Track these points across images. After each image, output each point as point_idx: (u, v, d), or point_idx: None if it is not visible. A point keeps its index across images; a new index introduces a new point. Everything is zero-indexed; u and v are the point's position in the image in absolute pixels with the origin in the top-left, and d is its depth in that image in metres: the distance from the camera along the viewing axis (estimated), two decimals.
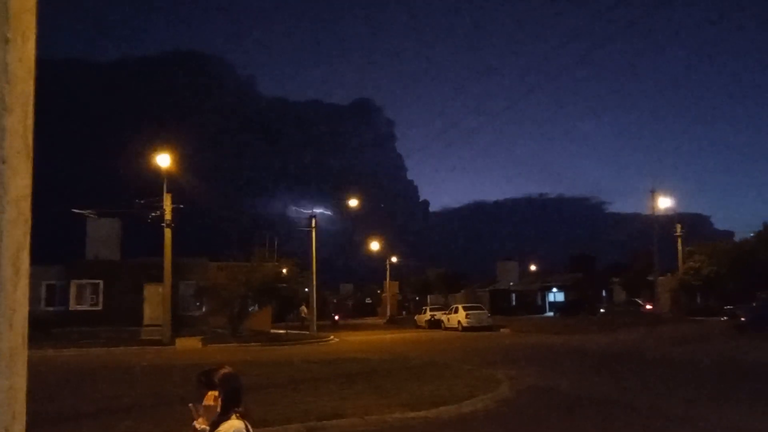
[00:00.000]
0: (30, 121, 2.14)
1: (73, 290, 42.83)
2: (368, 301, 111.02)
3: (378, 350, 30.46)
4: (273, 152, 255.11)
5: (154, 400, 14.40)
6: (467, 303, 58.21)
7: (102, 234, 45.00)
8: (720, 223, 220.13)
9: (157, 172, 37.21)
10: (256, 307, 42.42)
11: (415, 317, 62.62)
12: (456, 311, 50.92)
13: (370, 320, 79.63)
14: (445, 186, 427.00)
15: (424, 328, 56.18)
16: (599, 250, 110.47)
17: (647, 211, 55.13)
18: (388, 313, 79.55)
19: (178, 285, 41.07)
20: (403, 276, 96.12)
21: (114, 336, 37.37)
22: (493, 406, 13.73)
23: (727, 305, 49.34)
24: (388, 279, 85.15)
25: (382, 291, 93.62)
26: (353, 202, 54.56)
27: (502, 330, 46.66)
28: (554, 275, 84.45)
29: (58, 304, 42.76)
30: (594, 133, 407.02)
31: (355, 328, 56.56)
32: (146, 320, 41.86)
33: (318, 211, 51.47)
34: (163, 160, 36.71)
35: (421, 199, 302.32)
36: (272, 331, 45.24)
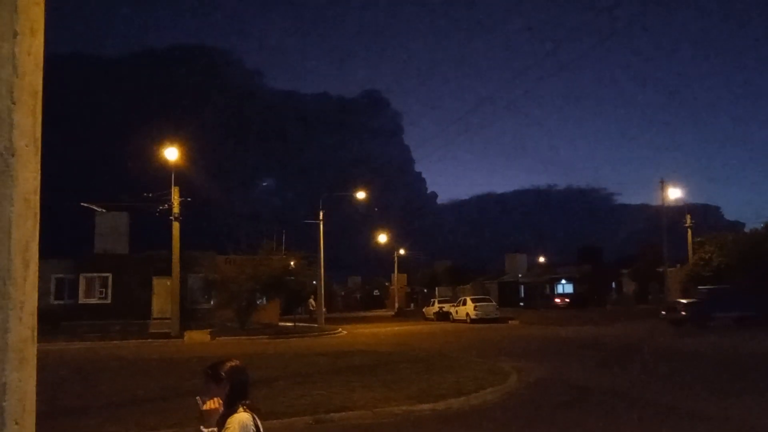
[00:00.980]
0: (39, 115, 2.14)
1: (82, 284, 43.00)
2: (376, 293, 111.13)
3: (386, 343, 30.49)
4: (280, 145, 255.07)
5: (163, 393, 14.46)
6: (475, 295, 58.20)
7: (110, 228, 45.15)
8: (730, 214, 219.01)
9: (164, 166, 37.27)
10: (264, 300, 42.50)
11: (424, 309, 62.63)
12: (464, 303, 50.92)
13: (378, 313, 79.72)
14: (453, 178, 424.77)
15: (432, 320, 56.21)
16: (608, 242, 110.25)
17: (656, 203, 54.94)
18: (396, 306, 79.59)
19: (187, 278, 41.21)
20: (411, 268, 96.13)
21: (123, 329, 37.55)
22: (501, 399, 13.73)
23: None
24: (396, 271, 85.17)
25: (390, 283, 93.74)
26: (361, 195, 54.43)
27: (510, 322, 46.66)
28: (563, 267, 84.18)
29: (68, 297, 42.94)
30: (602, 124, 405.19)
31: (363, 320, 56.61)
32: (155, 313, 42.01)
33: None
34: (171, 153, 36.76)
35: (429, 191, 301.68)
36: (280, 324, 45.35)
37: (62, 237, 44.10)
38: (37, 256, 2.08)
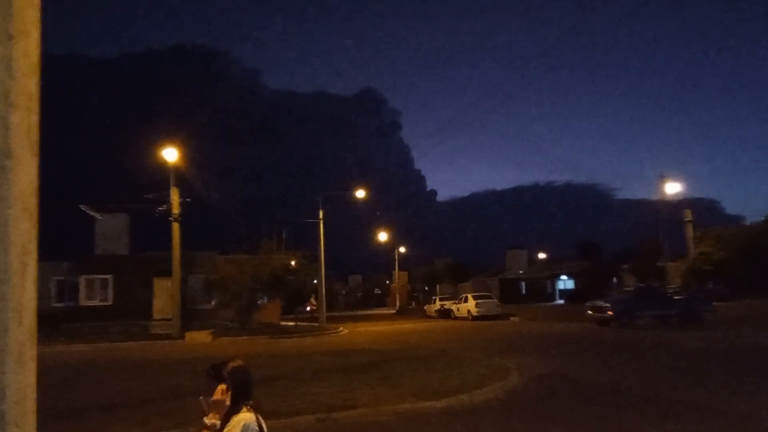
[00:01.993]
0: (35, 117, 2.14)
1: (82, 285, 43.00)
2: (377, 292, 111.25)
3: (388, 341, 30.50)
4: (279, 144, 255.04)
5: (165, 394, 14.45)
6: (476, 292, 58.25)
7: (110, 229, 45.14)
8: (730, 208, 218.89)
9: (163, 167, 37.25)
10: (265, 300, 42.50)
11: (425, 307, 62.70)
12: (466, 300, 50.95)
13: (379, 311, 79.75)
14: (453, 175, 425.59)
15: (434, 317, 56.28)
16: (608, 237, 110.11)
17: (656, 197, 54.95)
18: (398, 304, 79.63)
19: (187, 279, 41.20)
20: (412, 266, 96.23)
21: (124, 330, 37.57)
22: (503, 395, 13.72)
23: (736, 290, 49.21)
24: (396, 269, 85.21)
25: (391, 281, 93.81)
26: (360, 193, 54.42)
27: (511, 318, 46.68)
28: (563, 263, 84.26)
29: (68, 299, 42.95)
30: (602, 119, 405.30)
31: (365, 319, 56.63)
32: (156, 314, 42.01)
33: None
34: (170, 154, 36.74)
35: (429, 188, 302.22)
36: (281, 323, 45.39)
37: (62, 239, 44.12)
38: (35, 258, 2.07)
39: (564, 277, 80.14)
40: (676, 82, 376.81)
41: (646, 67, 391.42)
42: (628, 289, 39.55)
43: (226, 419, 3.61)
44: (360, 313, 74.69)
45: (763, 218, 56.24)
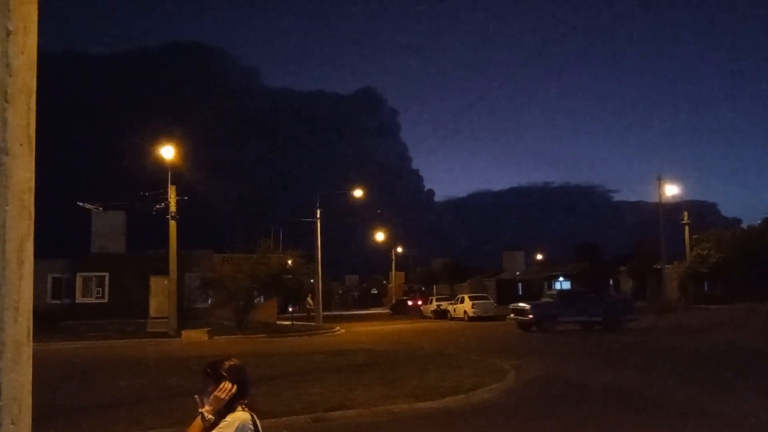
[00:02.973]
0: (32, 114, 2.13)
1: (78, 283, 42.93)
2: (374, 291, 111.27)
3: (384, 341, 30.48)
4: (276, 143, 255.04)
5: (161, 393, 14.43)
6: (473, 293, 58.26)
7: (107, 227, 45.08)
8: (727, 211, 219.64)
9: (160, 165, 37.25)
10: (262, 299, 42.49)
11: (421, 307, 62.70)
12: (462, 301, 50.98)
13: (376, 311, 79.76)
14: (450, 175, 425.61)
15: (430, 318, 56.26)
16: (605, 239, 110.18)
17: (654, 199, 55.03)
18: (394, 303, 79.59)
19: (184, 277, 41.14)
20: (409, 266, 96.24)
21: (120, 328, 37.52)
22: (500, 396, 13.73)
23: (733, 293, 49.28)
24: (393, 269, 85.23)
25: (388, 281, 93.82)
26: (358, 192, 54.44)
27: (508, 319, 46.68)
28: (561, 264, 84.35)
29: (64, 297, 42.89)
30: (599, 121, 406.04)
31: (361, 319, 56.62)
32: (152, 312, 41.96)
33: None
34: (167, 152, 36.74)
35: (426, 188, 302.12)
36: (278, 322, 45.36)
37: (59, 236, 44.12)
38: (32, 255, 2.06)
39: (561, 278, 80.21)
40: (674, 85, 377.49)
41: (644, 69, 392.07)
42: (552, 292, 38.08)
43: (219, 417, 3.60)
44: (356, 312, 74.70)
45: (760, 221, 56.38)
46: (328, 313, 61.25)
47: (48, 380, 15.57)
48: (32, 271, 2.07)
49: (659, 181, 53.55)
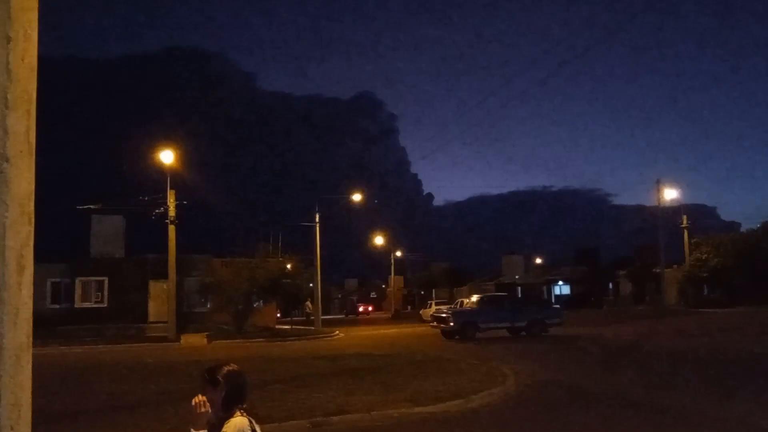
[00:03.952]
0: (33, 120, 2.14)
1: (78, 288, 42.90)
2: (373, 296, 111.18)
3: (383, 345, 30.41)
4: (275, 147, 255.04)
5: (160, 398, 14.42)
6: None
7: (106, 231, 45.04)
8: (726, 214, 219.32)
9: (160, 169, 37.27)
10: (261, 303, 42.47)
11: (420, 312, 62.60)
12: (461, 305, 50.85)
13: (375, 315, 79.68)
14: (449, 179, 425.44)
15: (429, 322, 56.13)
16: (604, 243, 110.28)
17: (652, 203, 55.01)
18: (393, 308, 79.55)
19: (183, 282, 41.11)
20: (408, 270, 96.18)
21: (119, 333, 37.49)
22: (499, 401, 13.71)
23: (732, 297, 49.26)
24: (392, 274, 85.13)
25: (387, 286, 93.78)
26: (357, 197, 54.43)
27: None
28: (560, 268, 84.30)
29: (63, 301, 42.81)
30: (598, 125, 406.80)
31: (360, 323, 56.56)
32: (151, 317, 41.92)
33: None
34: (167, 156, 36.75)
35: (425, 192, 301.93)
36: (277, 326, 45.34)
37: (58, 241, 44.08)
38: (32, 261, 2.07)
39: (560, 282, 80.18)
40: (673, 89, 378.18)
41: (643, 74, 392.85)
42: (474, 299, 37.19)
43: (219, 424, 3.60)
44: (349, 317, 74.62)
45: (759, 224, 56.34)
46: (326, 317, 61.24)
47: (47, 385, 15.55)
48: (32, 278, 2.07)
49: (658, 184, 53.57)
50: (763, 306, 42.90)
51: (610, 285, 73.32)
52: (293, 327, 43.43)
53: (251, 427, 3.63)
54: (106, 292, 42.98)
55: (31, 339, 2.08)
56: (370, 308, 65.29)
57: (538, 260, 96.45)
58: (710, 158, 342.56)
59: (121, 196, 46.87)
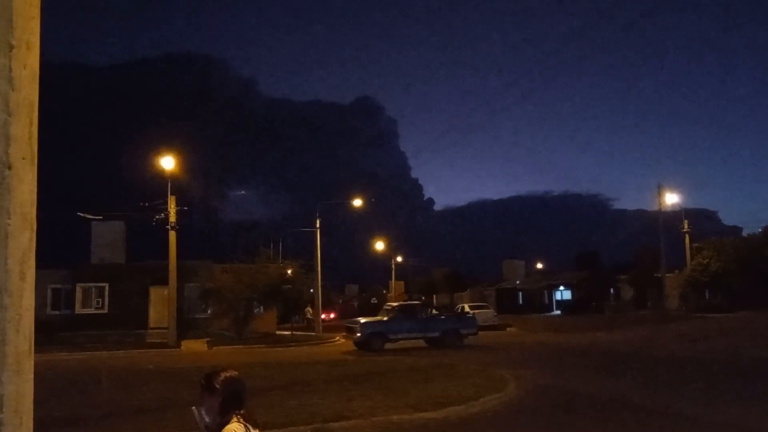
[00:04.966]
0: (35, 128, 2.15)
1: (78, 294, 42.87)
2: (374, 301, 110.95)
3: (384, 351, 30.38)
4: (276, 153, 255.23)
5: (160, 404, 14.41)
6: (473, 302, 58.13)
7: (107, 237, 45.05)
8: (728, 219, 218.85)
9: (160, 175, 37.25)
10: (261, 309, 42.41)
11: None
12: (462, 311, 50.87)
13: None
14: (450, 184, 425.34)
15: None
16: (605, 248, 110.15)
17: (653, 208, 54.95)
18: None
19: (183, 288, 41.07)
20: (409, 275, 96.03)
21: (120, 339, 37.42)
22: (500, 407, 13.70)
23: (734, 302, 49.16)
24: (393, 279, 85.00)
25: (388, 291, 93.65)
26: (357, 202, 54.43)
27: (508, 329, 46.60)
28: (561, 273, 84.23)
29: (64, 307, 42.77)
30: (599, 129, 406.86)
31: None
32: (152, 323, 41.88)
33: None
34: (167, 162, 36.74)
35: (426, 197, 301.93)
36: (278, 332, 45.23)
37: (59, 247, 44.04)
38: (33, 268, 2.08)
39: (561, 287, 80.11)
40: (674, 93, 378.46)
41: (644, 78, 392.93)
42: (388, 308, 35.80)
43: (219, 427, 3.60)
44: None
45: (760, 229, 56.32)
46: (326, 322, 61.11)
47: (48, 391, 15.53)
48: (34, 284, 2.08)
49: (659, 189, 53.48)
50: (764, 310, 42.83)
51: (612, 290, 73.20)
52: (294, 333, 43.34)
53: None
54: (106, 299, 42.94)
55: (33, 346, 2.09)
56: (332, 315, 63.88)
57: (539, 265, 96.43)
58: (712, 163, 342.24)
59: (122, 202, 46.96)
